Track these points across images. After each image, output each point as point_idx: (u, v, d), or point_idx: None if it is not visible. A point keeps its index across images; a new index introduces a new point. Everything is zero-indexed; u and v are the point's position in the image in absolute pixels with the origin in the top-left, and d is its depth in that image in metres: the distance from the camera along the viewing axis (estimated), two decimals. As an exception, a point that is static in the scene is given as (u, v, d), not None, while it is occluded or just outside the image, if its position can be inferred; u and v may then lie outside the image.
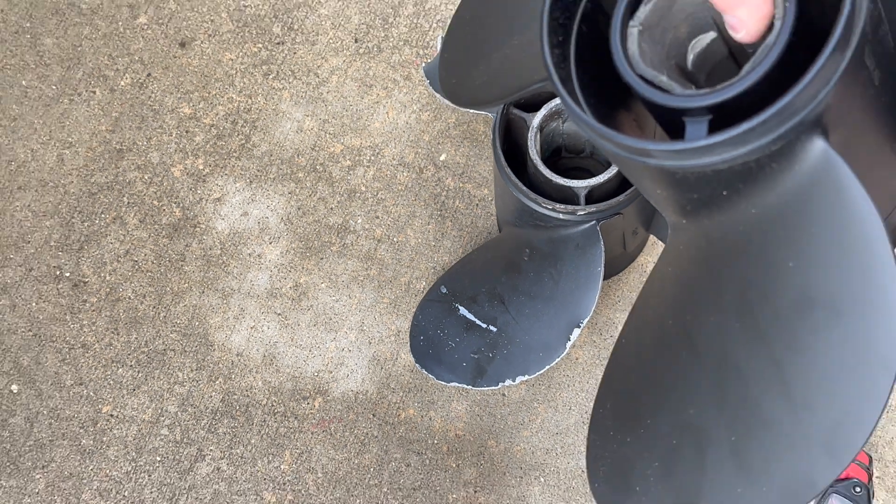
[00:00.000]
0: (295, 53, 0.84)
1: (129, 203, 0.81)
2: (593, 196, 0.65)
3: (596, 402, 0.40)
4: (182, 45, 0.84)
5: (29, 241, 0.80)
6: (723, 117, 0.30)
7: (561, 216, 0.64)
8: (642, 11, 0.31)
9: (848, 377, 0.30)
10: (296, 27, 0.85)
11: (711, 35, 0.34)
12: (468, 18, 0.61)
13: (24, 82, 0.83)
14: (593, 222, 0.65)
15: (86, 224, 0.80)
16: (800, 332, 0.31)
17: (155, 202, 0.81)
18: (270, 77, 0.84)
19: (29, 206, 0.81)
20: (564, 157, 0.75)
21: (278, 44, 0.84)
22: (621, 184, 0.66)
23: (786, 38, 0.28)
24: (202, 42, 0.84)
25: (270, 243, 0.80)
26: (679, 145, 0.29)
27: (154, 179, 0.81)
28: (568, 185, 0.63)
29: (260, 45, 0.84)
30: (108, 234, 0.80)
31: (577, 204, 0.64)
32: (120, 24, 0.85)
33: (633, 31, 0.32)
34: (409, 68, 0.83)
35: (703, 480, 0.34)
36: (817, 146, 0.29)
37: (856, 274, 0.30)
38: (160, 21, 0.84)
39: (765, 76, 0.29)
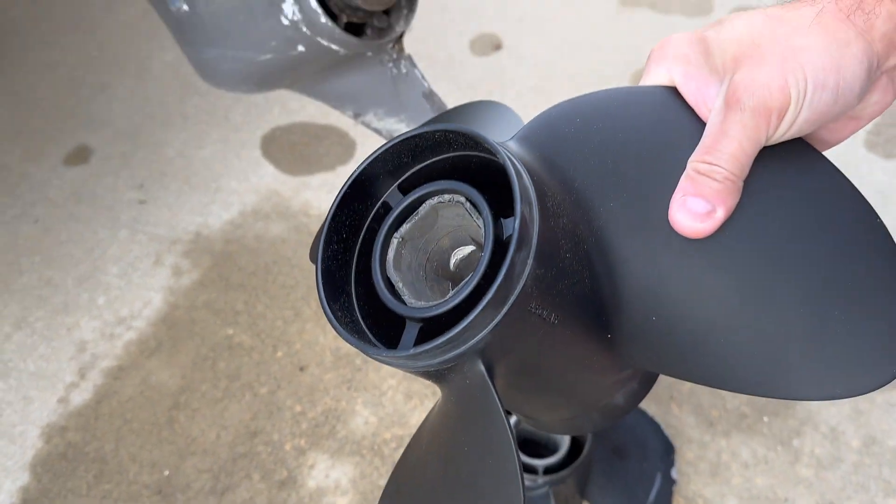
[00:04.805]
0: (367, 375, 1.37)
1: (255, 466, 1.28)
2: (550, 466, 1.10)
3: (387, 489, 0.48)
4: (301, 369, 1.39)
5: (191, 487, 1.26)
6: (436, 324, 0.36)
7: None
8: (404, 227, 0.37)
9: None
10: (369, 363, 1.39)
11: (470, 248, 0.41)
12: None
13: (203, 388, 1.37)
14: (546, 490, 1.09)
15: (227, 479, 1.27)
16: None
17: (271, 466, 1.28)
18: (351, 390, 1.36)
19: (195, 465, 1.28)
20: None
21: (358, 370, 1.38)
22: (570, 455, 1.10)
23: (475, 282, 0.34)
24: (313, 368, 1.39)
25: (341, 496, 1.24)
26: (385, 353, 0.36)
27: (273, 451, 1.30)
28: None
29: (348, 370, 1.38)
30: (240, 485, 1.26)
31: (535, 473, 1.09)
32: (265, 355, 1.41)
33: (395, 241, 0.37)
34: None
35: None
36: (478, 370, 0.36)
37: (491, 465, 0.38)
38: (290, 356, 1.41)
39: (459, 304, 0.34)
